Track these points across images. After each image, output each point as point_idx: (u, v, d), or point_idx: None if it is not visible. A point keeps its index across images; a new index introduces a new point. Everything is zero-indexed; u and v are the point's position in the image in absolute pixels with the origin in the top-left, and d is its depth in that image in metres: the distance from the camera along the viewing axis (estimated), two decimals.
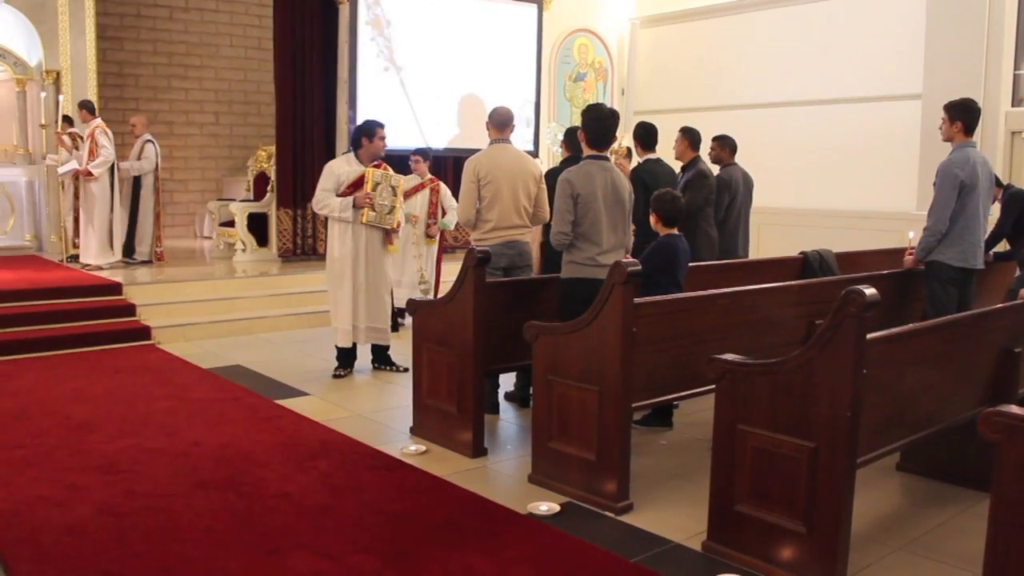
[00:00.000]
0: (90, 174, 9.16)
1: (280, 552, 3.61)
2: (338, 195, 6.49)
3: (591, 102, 13.00)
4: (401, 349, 6.88)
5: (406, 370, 6.61)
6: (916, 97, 10.02)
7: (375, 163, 6.60)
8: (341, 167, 6.60)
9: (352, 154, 6.67)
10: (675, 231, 5.18)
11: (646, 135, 6.60)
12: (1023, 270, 6.14)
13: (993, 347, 4.26)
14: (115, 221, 9.47)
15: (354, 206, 6.44)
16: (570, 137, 6.29)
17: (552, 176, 6.07)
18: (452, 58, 11.40)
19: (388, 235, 6.69)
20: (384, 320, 6.78)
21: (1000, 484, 2.83)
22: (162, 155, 13.78)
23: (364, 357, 6.93)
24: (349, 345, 6.70)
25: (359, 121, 10.06)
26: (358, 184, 6.49)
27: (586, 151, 4.98)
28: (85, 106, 9.57)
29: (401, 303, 8.21)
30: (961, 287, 5.55)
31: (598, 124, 4.94)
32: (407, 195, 8.33)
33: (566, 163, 6.23)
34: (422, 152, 8.56)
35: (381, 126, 6.63)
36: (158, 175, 10.09)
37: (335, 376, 6.71)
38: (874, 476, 4.43)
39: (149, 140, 9.96)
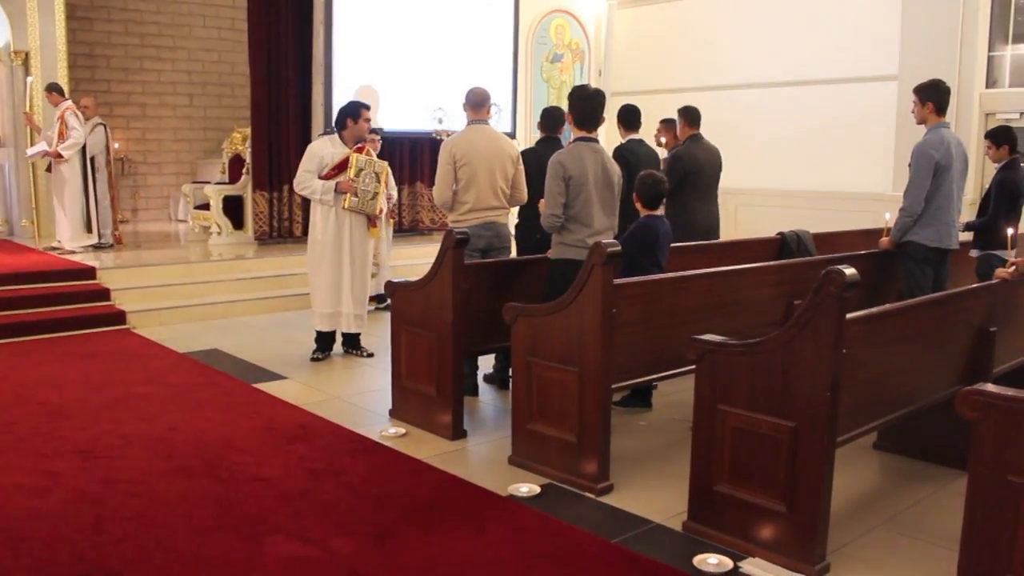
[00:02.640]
0: (60, 156, 9.05)
1: (260, 537, 3.59)
2: (321, 177, 6.40)
3: (568, 83, 13.01)
4: (366, 339, 6.89)
5: (371, 355, 6.75)
6: (892, 78, 10.06)
7: (358, 146, 6.50)
8: (324, 148, 6.51)
9: (336, 135, 6.57)
10: (656, 212, 5.18)
11: (629, 115, 6.70)
12: (982, 250, 6.17)
13: (969, 326, 4.30)
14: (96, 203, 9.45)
15: (337, 191, 6.38)
16: (546, 118, 6.26)
17: (526, 157, 6.05)
18: (428, 39, 11.30)
19: (371, 219, 6.60)
20: (363, 306, 6.72)
21: (977, 462, 2.86)
22: (135, 137, 13.72)
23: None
24: (328, 329, 6.67)
25: (335, 103, 10.00)
26: (342, 166, 6.40)
27: (575, 133, 4.95)
28: (54, 88, 9.42)
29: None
30: (936, 267, 5.59)
31: (585, 104, 4.92)
32: None
33: (542, 143, 6.21)
34: (378, 131, 8.51)
35: (366, 107, 6.55)
36: (110, 158, 10.00)
37: (312, 359, 6.67)
38: (852, 455, 4.47)
39: (100, 123, 9.86)
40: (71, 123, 9.08)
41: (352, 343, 6.85)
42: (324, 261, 6.52)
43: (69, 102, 9.29)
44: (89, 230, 9.45)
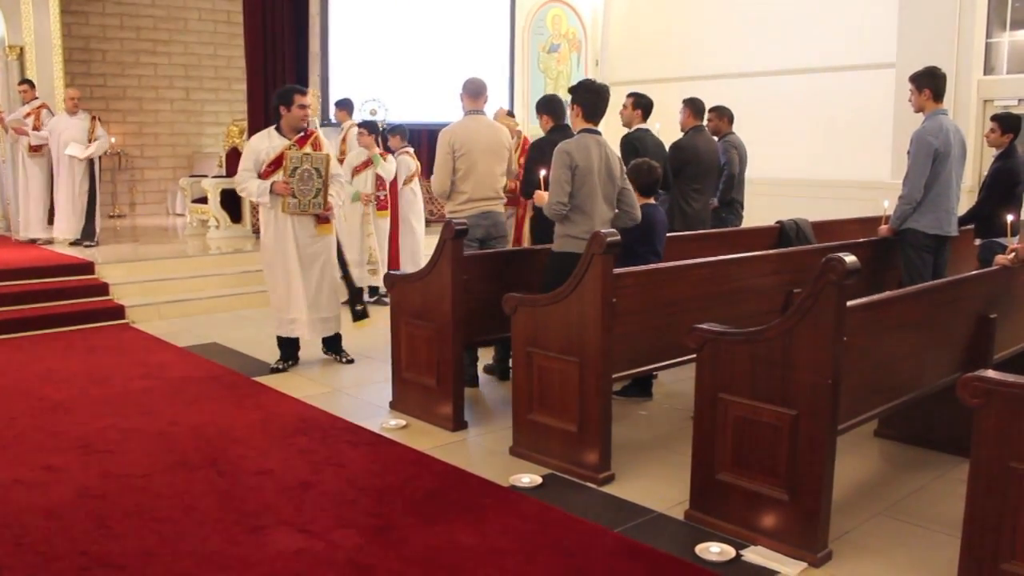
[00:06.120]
0: (36, 150, 9.46)
1: (262, 530, 3.59)
2: (260, 175, 5.84)
3: (564, 73, 12.99)
4: (365, 332, 6.74)
5: (351, 361, 6.34)
6: (890, 66, 10.04)
7: (302, 135, 5.91)
8: (261, 143, 5.91)
9: (273, 127, 5.97)
10: (652, 201, 5.19)
11: (649, 106, 6.75)
12: (983, 238, 6.15)
13: (969, 313, 4.29)
14: (63, 200, 9.49)
15: (273, 192, 5.80)
16: (552, 107, 6.13)
17: (537, 147, 6.01)
18: (425, 30, 11.28)
19: (320, 217, 5.96)
20: (330, 308, 6.17)
21: (979, 448, 2.86)
22: (132, 131, 13.69)
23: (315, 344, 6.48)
24: (287, 335, 6.19)
25: (331, 94, 9.97)
26: (278, 163, 5.81)
27: (580, 125, 4.92)
28: (28, 83, 9.75)
29: (361, 283, 8.27)
30: (936, 254, 5.59)
31: (595, 97, 4.89)
32: (356, 171, 8.25)
33: (553, 133, 6.14)
34: (367, 125, 8.43)
35: (301, 92, 5.95)
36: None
37: (272, 370, 6.13)
38: (852, 442, 4.47)
39: (95, 116, 9.97)
40: (47, 121, 9.47)
41: (332, 346, 6.39)
42: (273, 266, 6.03)
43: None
44: (86, 230, 9.52)
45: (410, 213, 8.81)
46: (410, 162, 8.78)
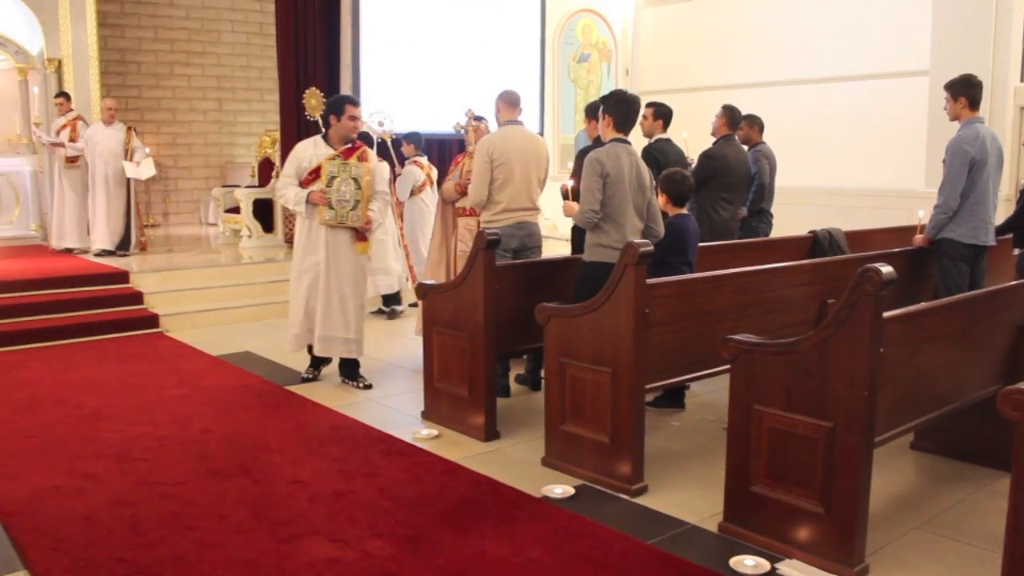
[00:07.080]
0: (73, 161, 9.65)
1: (295, 539, 3.61)
2: (300, 183, 5.76)
3: (595, 83, 12.98)
4: (396, 342, 6.62)
5: (369, 387, 6.02)
6: (924, 74, 9.92)
7: (349, 146, 5.80)
8: (306, 151, 5.82)
9: (320, 136, 5.91)
10: (684, 211, 5.17)
11: (670, 115, 6.66)
12: (1022, 247, 6.04)
13: (1008, 324, 4.23)
14: (100, 210, 9.58)
15: (309, 202, 5.70)
16: (597, 113, 6.09)
17: (585, 156, 6.01)
18: (455, 40, 11.33)
19: (358, 233, 5.83)
20: (354, 331, 5.91)
21: (1020, 462, 2.81)
22: (165, 142, 13.86)
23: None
24: (297, 350, 6.07)
25: (362, 104, 10.01)
26: (319, 172, 5.72)
27: (611, 134, 4.92)
28: (64, 95, 9.93)
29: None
30: (972, 264, 5.52)
31: (628, 108, 4.89)
32: None
33: (598, 142, 6.11)
34: (364, 137, 8.37)
35: (353, 103, 5.85)
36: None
37: (303, 380, 6.13)
38: (888, 455, 4.42)
39: (130, 127, 10.11)
40: (83, 132, 9.64)
41: (349, 372, 6.10)
42: (301, 279, 5.88)
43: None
44: (124, 240, 9.65)
45: (421, 223, 8.68)
46: (417, 172, 8.59)
